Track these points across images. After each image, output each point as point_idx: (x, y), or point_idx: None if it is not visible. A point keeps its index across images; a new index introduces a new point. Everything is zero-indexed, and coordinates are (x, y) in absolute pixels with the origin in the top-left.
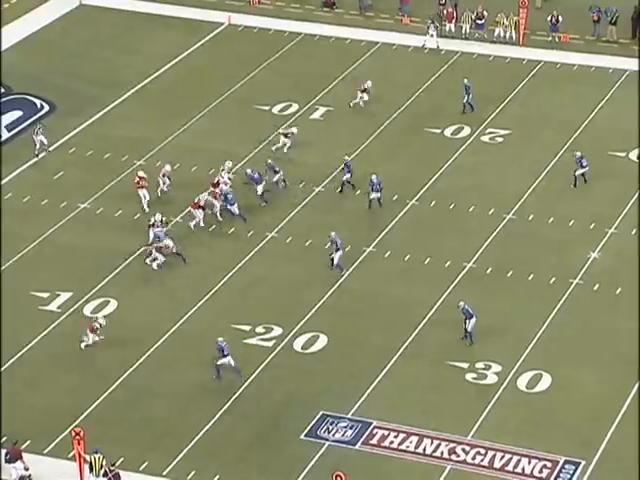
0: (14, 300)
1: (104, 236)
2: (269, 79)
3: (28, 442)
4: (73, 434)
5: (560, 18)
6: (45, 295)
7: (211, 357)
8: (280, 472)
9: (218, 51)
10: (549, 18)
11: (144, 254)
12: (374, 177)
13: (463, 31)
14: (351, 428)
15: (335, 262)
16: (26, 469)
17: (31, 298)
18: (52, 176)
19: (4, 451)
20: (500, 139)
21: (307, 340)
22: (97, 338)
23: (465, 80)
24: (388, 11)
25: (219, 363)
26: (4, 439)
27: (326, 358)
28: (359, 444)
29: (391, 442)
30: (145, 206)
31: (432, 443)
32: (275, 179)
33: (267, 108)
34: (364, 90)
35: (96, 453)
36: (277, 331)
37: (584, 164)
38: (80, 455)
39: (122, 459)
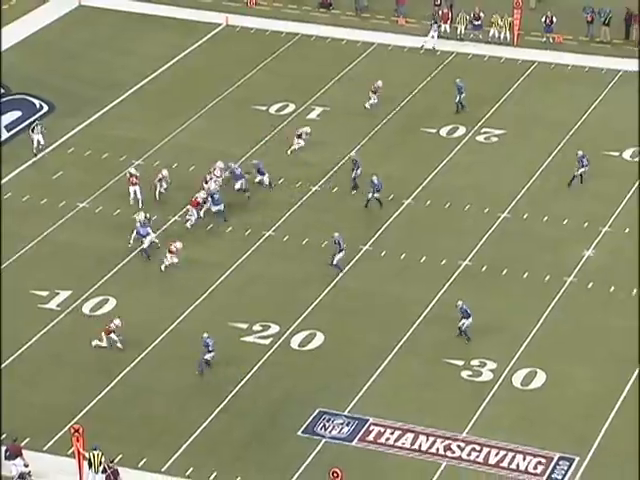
0: (14, 298)
1: (103, 235)
2: (266, 79)
3: (28, 439)
4: (72, 431)
5: (554, 19)
6: (44, 293)
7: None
8: (277, 469)
9: (215, 52)
10: (543, 19)
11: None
12: (375, 178)
13: (458, 32)
14: (348, 425)
15: (335, 262)
16: (26, 466)
17: (31, 296)
18: (51, 176)
19: (4, 448)
20: (495, 139)
21: (304, 338)
22: (116, 338)
23: (457, 80)
24: (384, 12)
25: (206, 358)
26: (4, 436)
27: (323, 356)
28: (356, 441)
29: (387, 439)
30: (132, 202)
31: (428, 440)
32: (257, 180)
33: (264, 108)
34: (375, 91)
35: (95, 450)
36: (274, 329)
37: (584, 163)
38: (79, 452)
39: (121, 456)
